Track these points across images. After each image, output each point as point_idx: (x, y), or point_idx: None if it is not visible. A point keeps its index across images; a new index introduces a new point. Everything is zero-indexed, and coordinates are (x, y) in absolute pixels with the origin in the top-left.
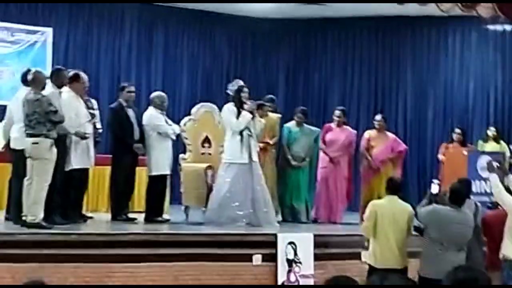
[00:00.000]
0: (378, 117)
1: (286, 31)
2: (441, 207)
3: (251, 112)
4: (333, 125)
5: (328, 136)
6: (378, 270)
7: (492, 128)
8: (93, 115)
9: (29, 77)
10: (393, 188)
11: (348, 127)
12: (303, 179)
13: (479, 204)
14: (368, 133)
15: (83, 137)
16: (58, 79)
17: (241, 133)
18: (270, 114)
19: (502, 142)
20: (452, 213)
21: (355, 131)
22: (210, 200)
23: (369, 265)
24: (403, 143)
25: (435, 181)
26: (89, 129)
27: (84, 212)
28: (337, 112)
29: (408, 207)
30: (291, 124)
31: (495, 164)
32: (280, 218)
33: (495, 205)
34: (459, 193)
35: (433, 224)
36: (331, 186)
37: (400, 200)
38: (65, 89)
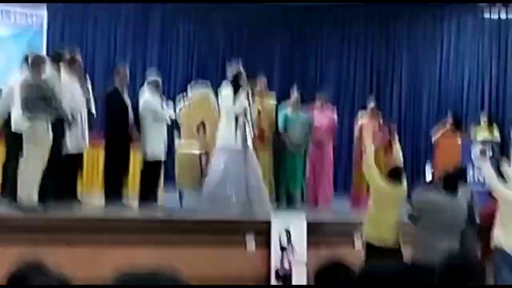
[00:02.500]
0: (371, 104)
1: (282, 16)
2: (435, 194)
3: (247, 97)
4: (316, 110)
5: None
6: (375, 248)
7: (484, 115)
8: (88, 99)
9: (29, 60)
10: (393, 176)
11: (329, 111)
12: (299, 165)
13: (474, 193)
14: (361, 120)
15: (75, 123)
16: (56, 61)
17: (236, 118)
18: (266, 99)
19: (494, 129)
20: (446, 200)
21: (335, 115)
22: (204, 186)
23: (367, 244)
24: (388, 131)
25: (428, 170)
26: (84, 112)
27: (78, 196)
28: (318, 95)
29: (404, 190)
30: (288, 110)
31: (488, 151)
32: (275, 204)
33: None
34: (453, 180)
35: (427, 211)
36: (318, 170)
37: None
38: (62, 72)
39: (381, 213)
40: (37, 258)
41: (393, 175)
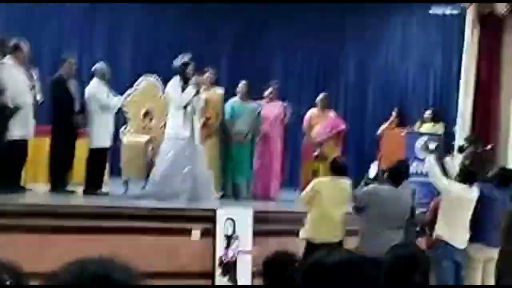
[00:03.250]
0: (321, 95)
1: (230, 5)
2: (380, 186)
3: (196, 88)
4: (265, 100)
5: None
6: (316, 245)
7: (429, 110)
8: (33, 86)
9: None
10: (337, 169)
11: (278, 101)
12: (246, 155)
13: (415, 186)
14: (310, 111)
15: (17, 110)
16: (1, 48)
17: (185, 108)
18: (214, 89)
19: (438, 123)
20: (391, 192)
21: (285, 104)
22: (152, 174)
23: (307, 241)
24: (343, 123)
25: (373, 165)
26: (28, 99)
27: (22, 183)
28: (269, 88)
29: (348, 181)
30: (234, 100)
31: (432, 145)
32: (221, 194)
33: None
34: (398, 173)
35: (373, 203)
36: (266, 161)
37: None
38: (6, 59)
39: (325, 210)
40: None
41: (336, 169)
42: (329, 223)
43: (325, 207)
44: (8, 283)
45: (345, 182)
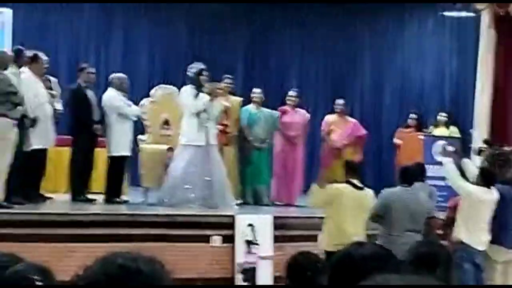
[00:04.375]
0: (340, 101)
1: (244, 13)
2: (392, 188)
3: (209, 94)
4: (288, 107)
5: (284, 118)
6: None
7: (443, 114)
8: (52, 96)
9: None
10: (351, 170)
11: (301, 110)
12: (264, 161)
13: (434, 188)
14: (329, 117)
15: (35, 122)
16: (18, 59)
17: (198, 115)
18: (232, 98)
19: (452, 127)
20: (404, 192)
21: (308, 114)
22: (164, 181)
23: (325, 250)
24: (363, 129)
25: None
26: (48, 110)
27: (43, 192)
28: (291, 93)
29: (370, 192)
30: (251, 106)
31: (450, 148)
32: (240, 200)
33: None
34: (408, 172)
35: (388, 206)
36: (288, 168)
37: (359, 183)
38: (24, 70)
39: (342, 223)
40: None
41: (351, 169)
42: (346, 236)
43: (343, 219)
44: (37, 283)
45: (368, 195)
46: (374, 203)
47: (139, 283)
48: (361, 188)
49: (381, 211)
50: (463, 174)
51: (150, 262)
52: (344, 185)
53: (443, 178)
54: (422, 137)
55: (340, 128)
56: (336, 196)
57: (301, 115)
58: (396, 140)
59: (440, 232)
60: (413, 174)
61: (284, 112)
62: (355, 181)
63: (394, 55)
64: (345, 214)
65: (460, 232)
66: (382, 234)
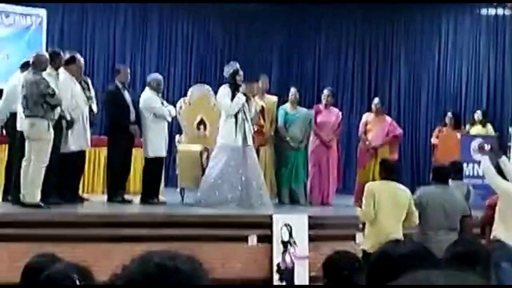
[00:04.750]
0: (376, 100)
1: (280, 13)
2: (428, 186)
3: (245, 95)
4: (321, 106)
5: (318, 118)
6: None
7: (479, 112)
8: (89, 97)
9: (31, 59)
10: (387, 170)
11: (335, 108)
12: (301, 161)
13: (471, 187)
14: (365, 117)
15: (72, 123)
16: (55, 61)
17: (235, 115)
18: (268, 97)
19: (488, 125)
20: (438, 191)
21: (340, 112)
22: (202, 182)
23: (363, 250)
24: (399, 127)
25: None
26: (85, 111)
27: (80, 193)
28: (325, 92)
29: (407, 191)
30: (287, 106)
31: (487, 146)
32: (276, 200)
33: None
34: (442, 171)
35: (424, 204)
36: (323, 168)
37: (397, 183)
38: (61, 71)
39: (382, 223)
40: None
41: (388, 170)
42: (384, 234)
43: (383, 216)
44: (77, 283)
45: (403, 188)
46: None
47: (177, 282)
48: (397, 187)
49: (420, 210)
50: (501, 172)
51: (188, 261)
52: (381, 181)
53: (481, 177)
54: (459, 135)
55: (376, 127)
56: (374, 194)
57: (334, 114)
58: (433, 140)
59: (477, 230)
60: (448, 172)
61: (318, 111)
62: (391, 181)
63: (430, 54)
64: (382, 212)
65: (499, 231)
66: (417, 233)
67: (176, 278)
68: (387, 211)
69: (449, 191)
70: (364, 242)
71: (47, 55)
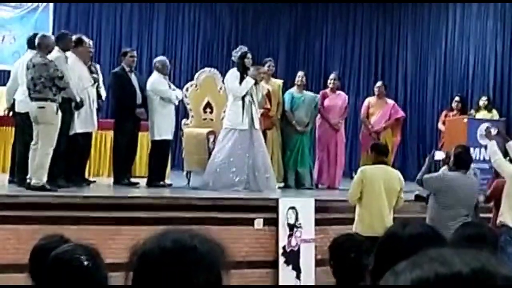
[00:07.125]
0: (379, 83)
1: None
2: (450, 173)
3: (254, 78)
4: (328, 90)
5: (325, 102)
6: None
7: (484, 98)
8: (96, 80)
9: (36, 41)
10: (379, 153)
11: (342, 92)
12: (307, 145)
13: (477, 171)
14: (368, 100)
15: (82, 104)
16: (63, 43)
17: (243, 99)
18: (273, 80)
19: (493, 111)
20: (461, 177)
21: (346, 96)
22: (208, 165)
23: (356, 233)
24: (401, 110)
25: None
26: (92, 94)
27: (86, 176)
28: (332, 76)
29: (398, 173)
30: (293, 90)
31: (494, 130)
32: (282, 184)
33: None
34: (465, 158)
35: (444, 189)
36: (330, 151)
37: (387, 165)
38: (69, 54)
39: (372, 202)
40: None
41: (379, 152)
42: (377, 217)
43: (372, 199)
44: (85, 263)
45: (394, 171)
46: (426, 180)
47: (192, 260)
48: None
49: (432, 190)
50: (507, 156)
51: (207, 241)
52: (374, 165)
53: (487, 161)
54: (466, 120)
55: (378, 110)
56: (363, 178)
57: (341, 98)
58: (440, 126)
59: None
60: (469, 159)
61: (324, 96)
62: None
63: (437, 39)
64: (374, 196)
65: (505, 216)
66: (432, 216)
67: (192, 256)
68: (379, 195)
69: (468, 178)
70: (357, 226)
71: (52, 38)
